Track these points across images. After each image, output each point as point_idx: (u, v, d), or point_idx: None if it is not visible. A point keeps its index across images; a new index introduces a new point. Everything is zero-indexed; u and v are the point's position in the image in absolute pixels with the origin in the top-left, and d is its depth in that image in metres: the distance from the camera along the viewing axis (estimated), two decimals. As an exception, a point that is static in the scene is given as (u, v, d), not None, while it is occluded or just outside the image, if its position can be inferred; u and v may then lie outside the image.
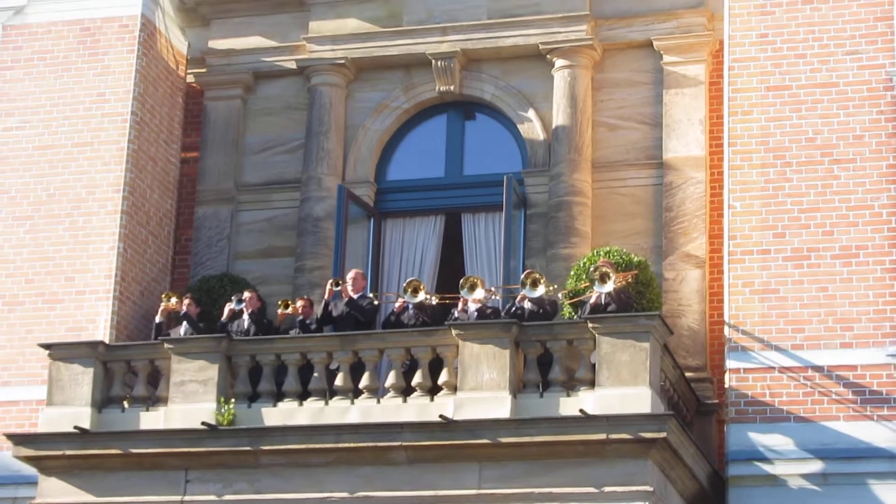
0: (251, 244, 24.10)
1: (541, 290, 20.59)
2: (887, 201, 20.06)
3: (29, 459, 20.05)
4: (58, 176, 23.01)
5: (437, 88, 23.86)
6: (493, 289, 21.10)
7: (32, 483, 20.26)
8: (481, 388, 18.86)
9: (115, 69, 23.22)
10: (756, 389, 19.84)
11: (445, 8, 23.73)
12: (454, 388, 19.04)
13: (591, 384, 18.57)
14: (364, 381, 19.51)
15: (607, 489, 17.90)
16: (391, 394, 19.45)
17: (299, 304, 21.54)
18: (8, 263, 22.74)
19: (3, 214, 22.99)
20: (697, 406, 20.88)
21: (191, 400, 19.73)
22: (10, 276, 22.70)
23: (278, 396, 19.76)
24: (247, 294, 21.72)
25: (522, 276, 21.07)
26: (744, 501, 19.50)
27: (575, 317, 20.15)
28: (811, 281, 20.02)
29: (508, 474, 18.38)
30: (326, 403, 19.56)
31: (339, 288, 21.27)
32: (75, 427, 19.85)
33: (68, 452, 19.85)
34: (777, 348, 19.86)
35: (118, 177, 22.73)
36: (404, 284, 21.59)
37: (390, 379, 19.47)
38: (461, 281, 21.08)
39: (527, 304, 20.30)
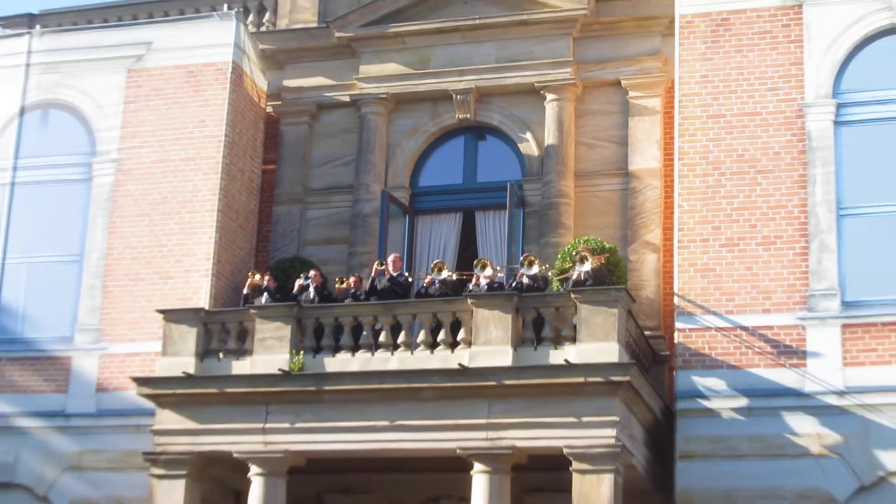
0: (316, 235, 24.16)
1: (535, 269, 20.63)
2: (798, 202, 20.15)
3: (148, 396, 20.36)
4: (169, 183, 23.16)
5: (456, 116, 23.92)
6: (499, 268, 21.12)
7: (150, 415, 20.40)
8: (490, 343, 18.99)
9: (212, 102, 23.32)
10: (698, 344, 19.98)
11: (463, 55, 23.77)
12: (469, 343, 19.19)
13: (573, 340, 18.73)
14: (401, 338, 19.74)
15: (585, 419, 18.08)
16: (421, 347, 19.65)
17: (352, 280, 21.59)
18: (132, 249, 22.89)
19: (129, 212, 23.15)
20: (653, 357, 21.09)
21: (270, 352, 19.90)
22: (134, 259, 22.85)
23: (336, 349, 19.95)
24: (312, 272, 21.79)
25: (521, 259, 21.13)
26: (688, 429, 19.60)
27: (561, 289, 20.19)
28: (740, 262, 20.09)
29: (510, 408, 18.52)
30: (372, 355, 19.77)
31: (382, 268, 21.35)
32: (183, 372, 20.18)
33: (178, 391, 20.13)
34: (714, 313, 19.98)
35: (215, 184, 22.89)
36: (431, 265, 21.69)
37: (421, 336, 19.72)
38: (475, 262, 21.15)
39: (525, 280, 20.33)
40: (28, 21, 26.38)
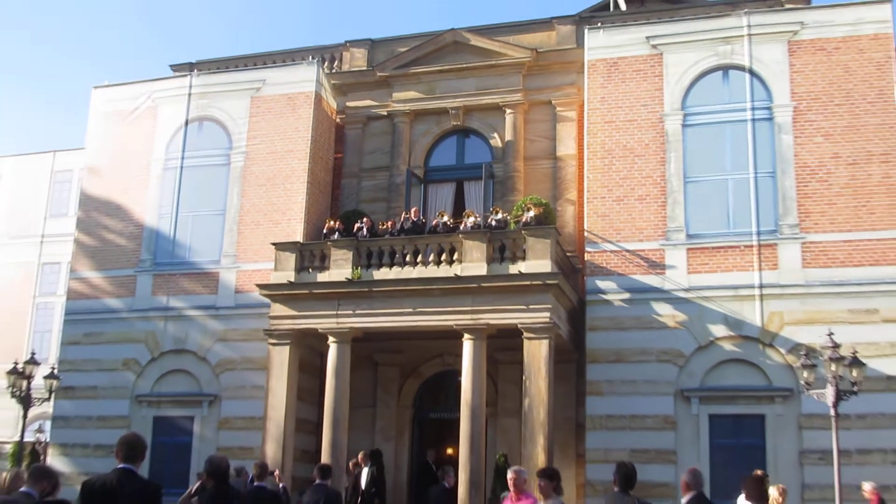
0: (366, 196, 24.00)
1: (500, 216, 20.87)
2: (660, 174, 20.20)
3: (266, 295, 20.60)
4: (277, 165, 23.13)
5: (451, 123, 23.82)
6: (477, 215, 21.08)
7: (267, 307, 20.59)
8: (472, 261, 19.19)
9: (303, 116, 23.25)
10: (599, 261, 20.18)
11: (455, 86, 23.59)
12: (460, 261, 19.40)
13: (524, 258, 18.93)
14: (419, 258, 19.90)
15: (531, 307, 18.42)
16: (431, 264, 19.74)
17: (389, 223, 21.64)
18: (254, 207, 22.93)
19: (252, 184, 23.14)
20: (572, 269, 21.05)
21: (339, 268, 20.08)
22: (256, 212, 22.90)
23: (380, 265, 20.03)
24: (364, 219, 21.97)
25: (491, 209, 21.38)
26: (593, 312, 19.91)
27: (515, 228, 20.27)
28: (624, 211, 20.20)
29: (485, 300, 18.82)
30: (402, 268, 19.88)
31: (407, 216, 21.50)
32: (287, 281, 20.43)
33: (284, 292, 20.38)
34: (609, 242, 20.18)
35: (304, 167, 22.86)
36: (437, 214, 22.01)
37: (431, 257, 19.83)
38: (463, 212, 21.45)
39: (493, 223, 20.52)
40: (189, 66, 26.39)
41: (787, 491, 13.55)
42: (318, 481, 12.10)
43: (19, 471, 7.12)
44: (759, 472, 8.84)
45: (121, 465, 6.20)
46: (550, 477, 8.66)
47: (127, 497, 5.95)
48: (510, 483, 9.08)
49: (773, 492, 13.11)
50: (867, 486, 15.10)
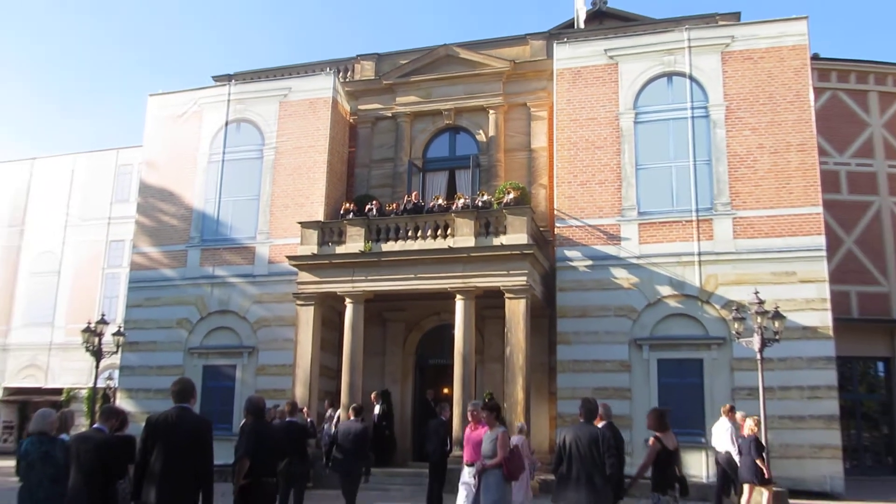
0: (376, 182, 23.67)
1: (485, 198, 20.73)
2: (616, 163, 19.97)
3: (294, 265, 20.38)
4: (301, 158, 22.81)
5: (444, 122, 23.55)
6: (466, 198, 20.87)
7: (294, 274, 20.46)
8: (463, 236, 19.01)
9: (322, 118, 22.93)
10: (566, 234, 19.93)
11: (448, 91, 23.29)
12: (453, 236, 19.22)
13: (505, 233, 18.76)
14: (419, 234, 19.70)
15: (511, 272, 18.31)
16: (429, 238, 19.54)
17: (394, 205, 21.45)
18: (284, 192, 22.60)
19: (282, 173, 22.80)
20: (545, 241, 20.86)
21: (354, 241, 19.96)
22: (285, 196, 22.56)
23: (387, 240, 19.83)
24: (374, 202, 21.62)
25: (477, 192, 21.25)
26: (562, 276, 19.71)
27: (497, 207, 20.02)
28: (588, 194, 20.01)
29: (474, 267, 18.70)
30: (405, 242, 19.67)
31: (408, 199, 21.35)
32: (311, 253, 20.20)
33: (309, 262, 20.15)
34: (575, 218, 19.93)
35: (324, 160, 22.59)
36: (433, 196, 21.75)
37: (429, 232, 19.60)
38: (455, 195, 21.31)
39: (479, 203, 20.41)
40: (228, 77, 26.01)
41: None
42: (351, 417, 12.09)
43: (66, 413, 7.08)
44: (658, 407, 9.59)
45: (177, 405, 6.25)
46: (492, 409, 9.11)
47: (183, 430, 6.05)
48: (469, 416, 9.42)
49: (749, 422, 13.16)
50: (749, 422, 13.56)
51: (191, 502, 6.00)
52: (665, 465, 8.34)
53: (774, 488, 13.82)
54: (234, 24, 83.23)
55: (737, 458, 13.49)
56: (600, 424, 8.63)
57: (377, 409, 19.55)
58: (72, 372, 29.97)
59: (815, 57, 24.21)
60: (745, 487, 13.06)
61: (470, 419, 9.32)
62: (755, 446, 12.85)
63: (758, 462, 12.74)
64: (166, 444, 6.01)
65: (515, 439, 10.43)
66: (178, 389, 6.34)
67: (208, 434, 6.24)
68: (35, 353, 31.05)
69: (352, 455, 11.27)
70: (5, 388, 31.33)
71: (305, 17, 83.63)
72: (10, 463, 7.35)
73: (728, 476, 13.83)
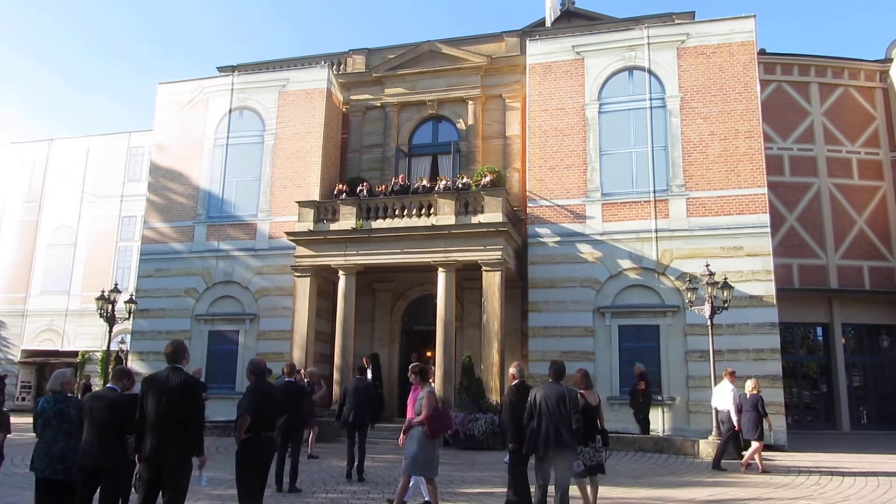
0: (366, 166, 23.37)
1: (465, 181, 20.66)
2: (582, 149, 19.80)
3: (292, 240, 20.19)
4: (300, 143, 22.46)
5: (428, 112, 23.22)
6: (448, 180, 20.75)
7: (292, 248, 20.29)
8: (445, 214, 18.85)
9: (318, 107, 22.59)
10: (537, 213, 19.74)
11: (431, 83, 22.99)
12: (436, 214, 19.01)
13: (483, 212, 18.64)
14: (405, 212, 19.52)
15: (487, 247, 18.22)
16: (414, 216, 19.36)
17: (383, 186, 21.30)
18: (283, 174, 22.24)
19: (281, 157, 22.40)
20: (518, 219, 20.66)
21: (346, 219, 19.70)
22: (284, 178, 22.13)
23: (377, 218, 19.64)
24: (365, 183, 21.50)
25: (458, 175, 21.06)
26: (533, 251, 19.52)
27: (475, 189, 20.00)
28: (556, 177, 19.76)
29: (454, 243, 18.50)
30: (392, 220, 19.50)
31: (395, 181, 21.23)
32: (308, 229, 20.01)
33: (305, 238, 19.97)
34: (545, 199, 19.73)
35: (319, 145, 22.28)
36: (418, 178, 21.60)
37: (414, 211, 19.40)
38: (437, 178, 21.12)
39: (459, 185, 20.29)
40: (231, 68, 25.56)
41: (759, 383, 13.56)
42: (357, 376, 12.45)
43: (68, 374, 6.97)
44: (582, 369, 9.21)
45: (170, 365, 6.39)
46: (418, 373, 8.89)
47: (172, 387, 6.21)
48: (410, 378, 9.13)
49: (749, 383, 13.10)
50: (750, 383, 13.35)
51: (181, 448, 6.06)
52: (588, 420, 8.29)
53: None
54: (238, 18, 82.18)
55: (734, 417, 13.36)
56: (515, 383, 8.74)
57: (368, 372, 19.35)
58: (86, 336, 29.83)
59: (761, 52, 24.18)
60: (753, 444, 12.93)
61: (411, 381, 9.19)
62: (761, 404, 12.83)
63: (765, 420, 12.76)
64: (159, 399, 6.13)
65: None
66: (170, 351, 6.45)
67: (195, 389, 6.33)
68: (52, 318, 30.81)
69: (361, 409, 11.80)
70: (24, 351, 31.04)
71: (303, 14, 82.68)
72: (29, 419, 7.24)
73: (735, 435, 13.56)
